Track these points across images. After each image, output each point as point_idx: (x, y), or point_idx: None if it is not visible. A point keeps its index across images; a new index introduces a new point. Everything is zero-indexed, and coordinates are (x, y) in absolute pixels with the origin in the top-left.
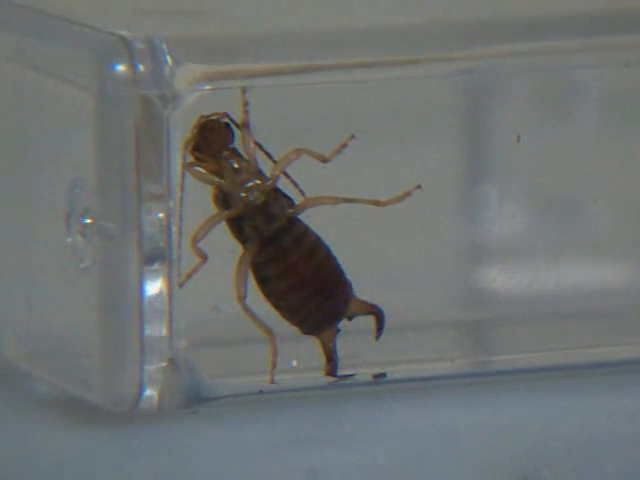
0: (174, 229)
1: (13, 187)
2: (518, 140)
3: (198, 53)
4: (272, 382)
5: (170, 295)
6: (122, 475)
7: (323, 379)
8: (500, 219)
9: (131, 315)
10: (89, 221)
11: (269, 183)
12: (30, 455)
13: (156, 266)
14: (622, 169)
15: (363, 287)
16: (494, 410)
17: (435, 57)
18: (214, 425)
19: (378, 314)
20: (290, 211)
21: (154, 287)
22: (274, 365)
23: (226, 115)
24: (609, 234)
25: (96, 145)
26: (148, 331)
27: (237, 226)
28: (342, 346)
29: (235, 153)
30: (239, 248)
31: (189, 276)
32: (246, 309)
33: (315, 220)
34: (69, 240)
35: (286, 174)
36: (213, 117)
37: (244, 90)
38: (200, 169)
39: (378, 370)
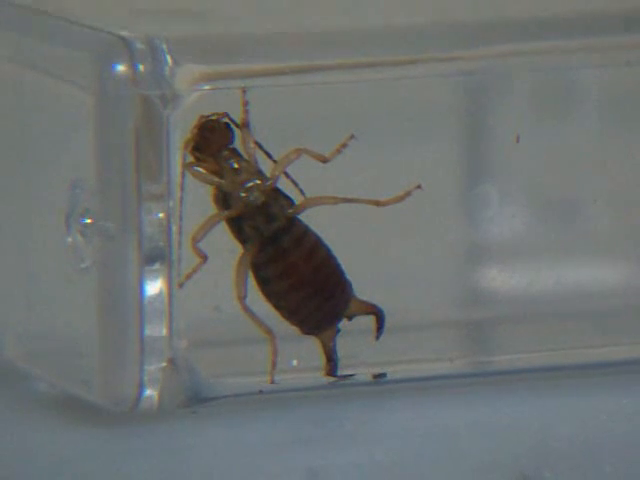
0: (174, 229)
1: (13, 187)
2: (518, 140)
3: (198, 53)
4: (272, 382)
5: (170, 295)
6: (122, 475)
7: (323, 379)
8: (500, 219)
9: (131, 315)
10: (89, 221)
11: (269, 183)
12: (30, 455)
13: (156, 266)
14: (622, 169)
15: (363, 287)
16: (494, 410)
17: (435, 57)
18: (214, 425)
19: (378, 314)
20: (290, 211)
21: (154, 287)
22: (274, 365)
23: (226, 115)
24: (609, 234)
25: (96, 145)
26: (148, 331)
27: (237, 226)
28: (342, 346)
29: (235, 153)
30: (239, 248)
31: (189, 276)
32: (246, 309)
33: (315, 220)
34: (69, 240)
35: (286, 174)
36: (213, 117)
37: (244, 90)
38: (200, 169)
39: (378, 370)
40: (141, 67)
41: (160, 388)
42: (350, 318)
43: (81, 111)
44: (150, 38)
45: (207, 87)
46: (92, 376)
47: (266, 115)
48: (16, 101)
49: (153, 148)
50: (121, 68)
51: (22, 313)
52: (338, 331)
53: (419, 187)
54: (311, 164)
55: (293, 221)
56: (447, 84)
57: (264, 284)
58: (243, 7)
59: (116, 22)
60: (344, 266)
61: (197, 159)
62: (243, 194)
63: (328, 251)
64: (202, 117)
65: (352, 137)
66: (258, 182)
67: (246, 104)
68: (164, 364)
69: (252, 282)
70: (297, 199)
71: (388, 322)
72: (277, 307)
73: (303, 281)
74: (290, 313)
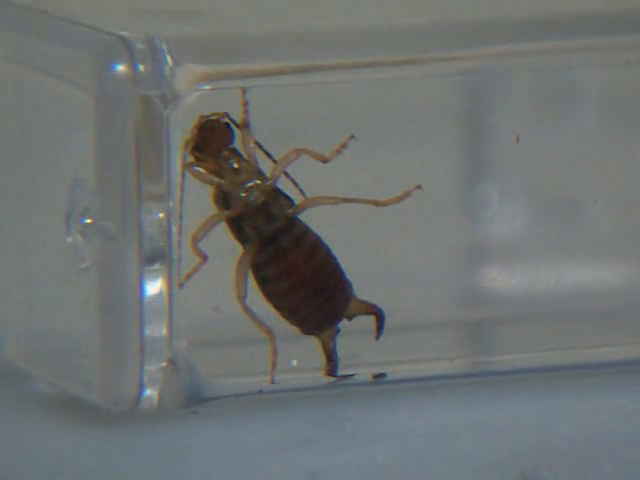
0: (174, 229)
1: (13, 187)
2: (518, 140)
3: (198, 53)
4: (272, 382)
5: (170, 295)
6: (122, 475)
7: (323, 379)
8: (500, 219)
9: (131, 315)
10: (89, 221)
11: (269, 183)
12: (30, 455)
13: (156, 266)
14: (622, 169)
15: (363, 287)
16: (494, 410)
17: (435, 57)
18: (214, 425)
19: (378, 314)
20: (290, 211)
21: (154, 287)
22: (274, 365)
23: (226, 115)
24: (609, 234)
25: (96, 145)
26: (148, 331)
27: (237, 226)
28: (342, 346)
29: (235, 153)
30: (239, 248)
31: (189, 276)
32: (246, 309)
33: (315, 220)
34: (69, 240)
35: (286, 174)
36: (213, 117)
37: (244, 90)
38: (200, 169)
39: (378, 370)
40: (141, 67)
41: (160, 388)
42: (350, 318)
43: (81, 111)
44: (150, 38)
45: (207, 87)
46: (92, 376)
47: (266, 115)
48: (16, 101)
49: (153, 148)
50: (121, 68)
51: (22, 313)
52: (338, 331)
53: (419, 187)
54: (311, 164)
55: (293, 221)
56: (447, 84)
57: (264, 284)
58: (243, 7)
59: (116, 22)
60: (344, 266)
61: (197, 159)
62: (243, 194)
63: (328, 251)
64: (202, 117)
65: (352, 137)
66: (258, 182)
67: (246, 104)
68: (164, 364)
69: (252, 282)
70: (297, 199)
71: (388, 322)
72: (277, 307)
73: (303, 281)
74: (290, 313)
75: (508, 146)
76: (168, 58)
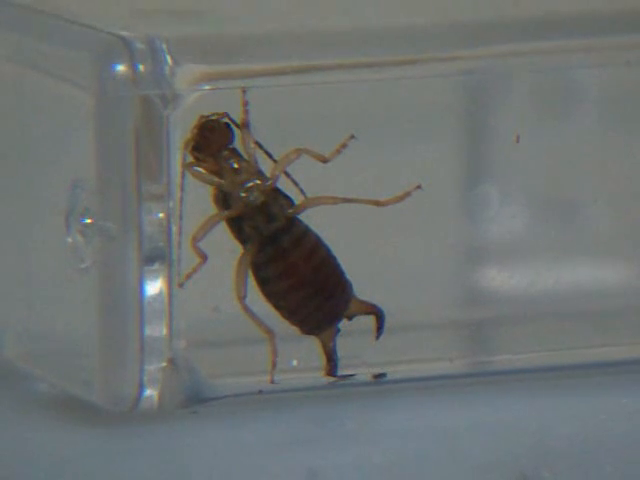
0: (174, 229)
1: (13, 187)
2: (518, 140)
3: (198, 53)
4: (272, 382)
5: (170, 295)
6: (122, 475)
7: (323, 379)
8: (500, 219)
9: (131, 315)
10: (89, 221)
11: (269, 183)
12: (30, 455)
13: (156, 266)
14: (622, 169)
15: (363, 287)
16: (494, 410)
17: (435, 57)
18: (214, 425)
19: (378, 314)
20: (290, 211)
21: (154, 287)
22: (274, 365)
23: (226, 115)
24: (609, 234)
25: (96, 145)
26: (148, 331)
27: (237, 226)
28: (342, 346)
29: (235, 153)
30: (239, 248)
31: (189, 276)
32: (246, 309)
33: (315, 220)
34: (69, 240)
35: (286, 174)
36: (213, 117)
37: (244, 90)
38: (200, 169)
39: (378, 370)
40: (141, 67)
41: (160, 388)
42: (350, 318)
43: (81, 111)
44: (150, 38)
45: (207, 87)
46: (92, 376)
47: (266, 115)
48: (16, 101)
49: (153, 148)
50: (121, 68)
51: (22, 313)
52: (338, 331)
53: (419, 187)
54: (311, 164)
55: (293, 221)
56: (447, 84)
57: (264, 284)
58: (243, 7)
59: (116, 22)
60: (344, 266)
61: (197, 159)
62: (243, 194)
63: (328, 251)
64: (202, 117)
65: (352, 137)
66: (258, 182)
67: (246, 104)
68: (164, 364)
69: (252, 282)
70: (297, 199)
71: (388, 322)
72: (277, 307)
73: (303, 281)
74: (290, 313)
75: (508, 146)
76: (168, 58)
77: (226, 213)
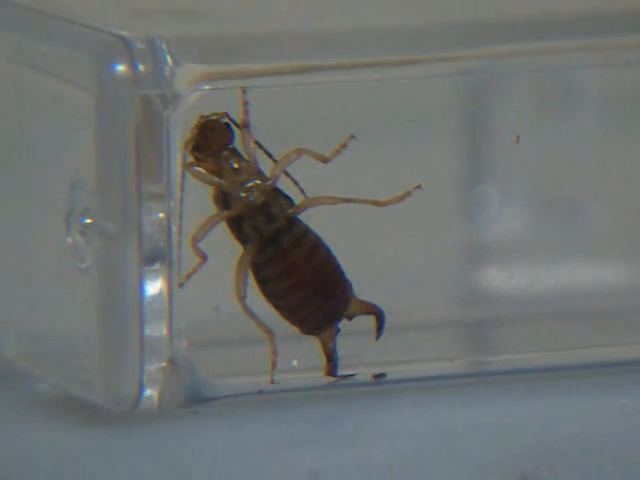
0: (174, 229)
1: (13, 187)
2: (518, 140)
3: (198, 53)
4: (272, 382)
5: (170, 295)
6: (122, 475)
7: (323, 379)
8: (500, 219)
9: (131, 315)
10: (89, 221)
11: (269, 183)
12: (30, 455)
13: (156, 266)
14: (622, 169)
15: (363, 287)
16: (494, 410)
17: (435, 57)
18: (214, 425)
19: (378, 314)
20: (290, 211)
21: (154, 287)
22: (274, 365)
23: (226, 115)
24: (609, 234)
25: (96, 145)
26: (148, 331)
27: (237, 226)
28: (342, 346)
29: (235, 153)
30: (239, 248)
31: (189, 276)
32: (246, 309)
33: (315, 220)
34: (69, 240)
35: (286, 174)
36: (213, 117)
37: (244, 90)
38: (200, 169)
39: (378, 370)
40: (141, 67)
41: (160, 388)
42: (350, 318)
43: (81, 111)
44: (150, 38)
45: (207, 87)
46: (92, 376)
47: (266, 115)
48: (16, 101)
49: (153, 148)
50: (121, 68)
51: (22, 313)
52: (338, 331)
53: (419, 187)
54: (311, 164)
55: (293, 221)
56: (447, 84)
57: (264, 284)
58: (243, 7)
59: (116, 22)
60: (344, 266)
61: (197, 159)
62: (243, 194)
63: (328, 251)
64: (202, 117)
65: (352, 137)
66: (258, 182)
67: (246, 104)
68: (164, 364)
69: (252, 282)
70: (297, 199)
71: (388, 322)
72: (277, 307)
73: (303, 281)
74: (290, 313)
75: (508, 146)
76: (168, 58)
77: (226, 213)
